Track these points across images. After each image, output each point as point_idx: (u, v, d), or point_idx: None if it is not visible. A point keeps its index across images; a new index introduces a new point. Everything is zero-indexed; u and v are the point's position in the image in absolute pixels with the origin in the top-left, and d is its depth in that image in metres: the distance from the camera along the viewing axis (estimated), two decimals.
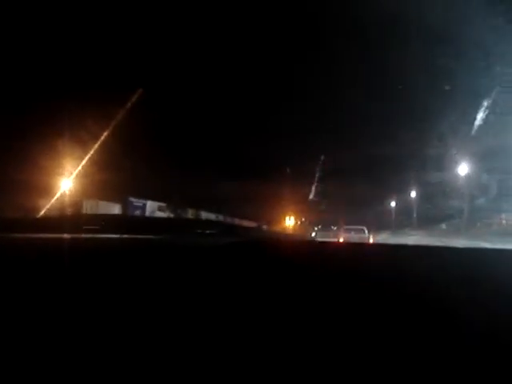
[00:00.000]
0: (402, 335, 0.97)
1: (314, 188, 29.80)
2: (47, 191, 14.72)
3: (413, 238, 23.12)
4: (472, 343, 0.93)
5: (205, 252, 1.44)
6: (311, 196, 30.37)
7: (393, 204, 45.55)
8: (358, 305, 1.06)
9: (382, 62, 20.21)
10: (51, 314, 1.04)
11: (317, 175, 28.25)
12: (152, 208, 25.58)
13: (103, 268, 1.23)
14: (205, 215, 32.46)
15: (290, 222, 32.90)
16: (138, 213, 23.81)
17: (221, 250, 1.46)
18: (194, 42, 17.86)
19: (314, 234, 33.39)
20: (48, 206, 13.80)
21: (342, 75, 21.42)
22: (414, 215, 35.43)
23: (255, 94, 22.20)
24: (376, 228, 31.43)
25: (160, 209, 26.62)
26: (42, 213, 13.08)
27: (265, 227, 30.96)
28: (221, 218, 33.13)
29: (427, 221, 30.42)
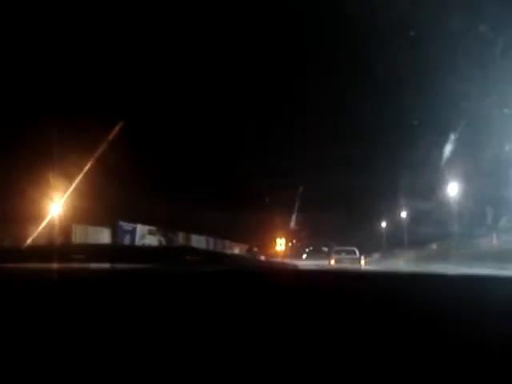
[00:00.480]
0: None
1: (294, 216, 30.23)
2: (35, 218, 14.68)
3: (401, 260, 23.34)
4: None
5: (191, 280, 1.44)
6: (292, 224, 30.75)
7: (383, 225, 45.77)
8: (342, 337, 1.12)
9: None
10: (37, 344, 1.07)
11: (303, 200, 28.74)
12: (142, 232, 25.47)
13: (90, 298, 1.24)
14: (196, 238, 32.36)
15: (280, 245, 32.86)
16: (128, 237, 23.70)
17: (206, 278, 1.46)
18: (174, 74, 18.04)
19: (304, 256, 33.43)
20: (36, 234, 13.74)
21: (322, 101, 21.74)
22: (405, 236, 35.55)
23: (241, 122, 22.38)
24: (367, 249, 31.63)
25: (150, 232, 26.51)
26: (30, 241, 13.02)
27: (256, 249, 30.86)
28: (211, 241, 33.10)
29: (418, 242, 30.60)
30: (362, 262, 23.17)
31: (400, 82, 18.44)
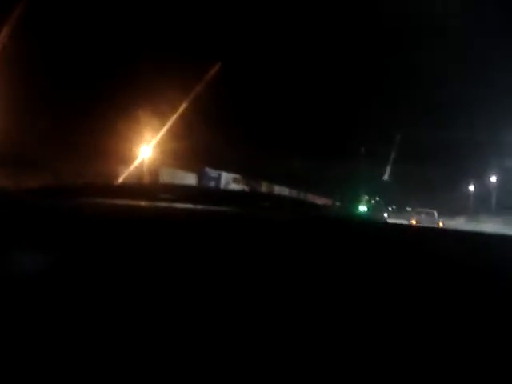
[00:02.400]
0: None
1: (387, 169, 28.95)
2: (126, 159, 15.17)
3: (488, 226, 22.27)
4: None
5: (275, 225, 1.36)
6: (385, 177, 29.44)
7: (470, 188, 43.60)
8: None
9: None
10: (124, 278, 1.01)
11: (391, 156, 27.35)
12: (227, 179, 25.92)
13: (176, 236, 1.16)
14: (278, 189, 32.50)
15: (363, 202, 32.27)
16: (213, 183, 24.20)
17: (289, 224, 1.37)
18: (280, 20, 17.50)
19: (386, 215, 32.73)
20: (126, 174, 14.23)
21: (422, 59, 20.47)
22: (493, 201, 33.71)
23: (334, 75, 21.64)
24: (451, 213, 31.17)
25: (235, 180, 26.94)
26: (121, 179, 13.50)
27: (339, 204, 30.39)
28: (293, 193, 33.04)
29: (507, 207, 28.86)
30: (441, 224, 23.98)
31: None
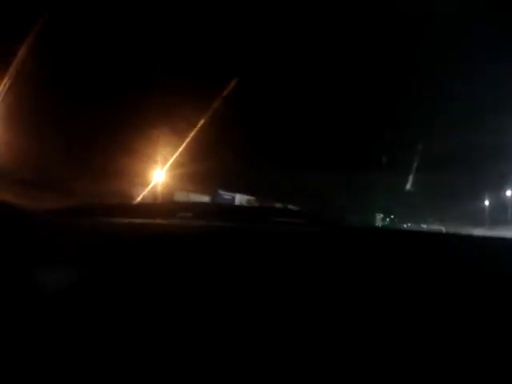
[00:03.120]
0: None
1: (411, 178, 28.74)
2: (141, 182, 15.21)
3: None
4: None
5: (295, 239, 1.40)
6: (407, 186, 29.14)
7: (486, 203, 43.44)
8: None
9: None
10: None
11: (413, 166, 27.01)
12: (240, 201, 25.91)
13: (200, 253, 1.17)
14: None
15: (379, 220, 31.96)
16: None
17: (309, 236, 1.40)
18: (294, 37, 17.55)
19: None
20: (142, 195, 14.25)
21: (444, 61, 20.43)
22: (509, 214, 33.63)
23: (346, 85, 21.60)
24: (468, 223, 32.12)
25: (248, 202, 26.94)
26: (138, 199, 13.50)
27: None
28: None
29: None
30: None
31: None
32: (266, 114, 20.14)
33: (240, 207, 8.09)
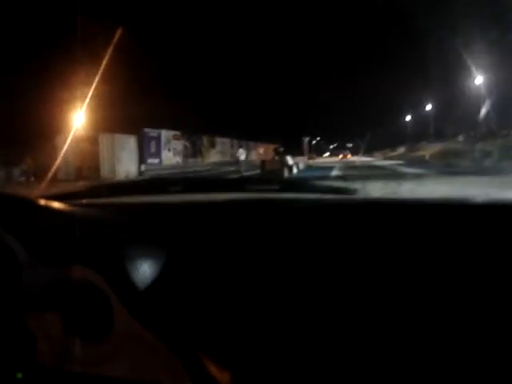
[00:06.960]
0: None
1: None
2: (61, 131, 14.89)
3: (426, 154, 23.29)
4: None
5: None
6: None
7: (407, 119, 44.74)
8: None
9: None
10: None
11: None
12: (167, 137, 25.69)
13: None
14: (220, 141, 32.56)
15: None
16: (153, 143, 23.97)
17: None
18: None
19: (327, 154, 34.18)
20: (66, 140, 14.00)
21: None
22: (431, 130, 34.99)
23: None
24: (391, 144, 34.03)
25: (175, 137, 26.74)
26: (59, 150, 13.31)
27: (281, 150, 29.21)
28: (235, 142, 33.18)
29: (444, 135, 30.15)
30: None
31: None
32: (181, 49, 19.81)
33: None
